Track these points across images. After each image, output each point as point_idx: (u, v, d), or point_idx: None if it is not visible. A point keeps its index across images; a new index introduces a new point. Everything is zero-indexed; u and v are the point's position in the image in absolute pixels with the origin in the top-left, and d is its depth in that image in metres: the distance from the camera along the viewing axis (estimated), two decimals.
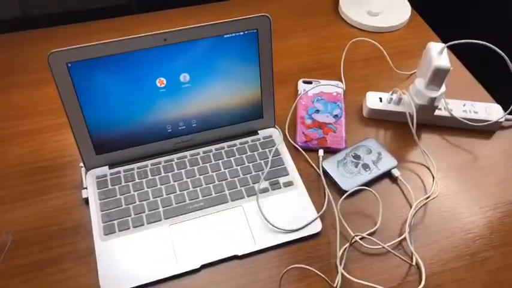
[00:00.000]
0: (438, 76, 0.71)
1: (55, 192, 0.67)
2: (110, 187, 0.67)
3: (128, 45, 0.61)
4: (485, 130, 0.78)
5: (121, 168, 0.69)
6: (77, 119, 0.63)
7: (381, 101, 0.79)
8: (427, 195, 0.69)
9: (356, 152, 0.73)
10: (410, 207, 0.68)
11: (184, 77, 0.65)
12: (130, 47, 0.61)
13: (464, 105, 0.78)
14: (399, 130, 0.78)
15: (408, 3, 1.00)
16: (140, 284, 0.58)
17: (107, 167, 0.69)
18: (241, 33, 0.65)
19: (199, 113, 0.69)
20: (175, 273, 0.59)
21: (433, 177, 0.71)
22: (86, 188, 0.66)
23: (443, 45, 0.71)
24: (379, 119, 0.79)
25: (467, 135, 0.78)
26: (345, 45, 0.91)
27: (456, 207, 0.69)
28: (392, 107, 0.77)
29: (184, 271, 0.60)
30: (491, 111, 0.78)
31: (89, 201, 0.65)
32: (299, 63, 0.88)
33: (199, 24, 0.62)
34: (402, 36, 0.95)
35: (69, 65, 0.59)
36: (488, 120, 0.77)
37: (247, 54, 0.67)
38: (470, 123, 0.76)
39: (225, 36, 0.64)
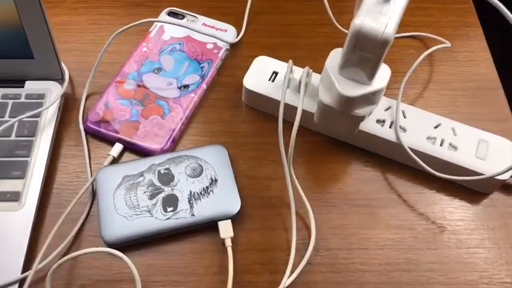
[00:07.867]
0: (363, 51, 0.31)
1: None
2: None
3: None
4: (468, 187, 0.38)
5: None
6: None
7: (273, 79, 0.40)
8: None
9: (171, 167, 0.37)
10: None
11: None
12: None
13: (437, 127, 0.38)
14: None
15: None
16: None
17: None
18: None
19: None
20: None
21: (289, 260, 0.34)
22: None
23: None
24: (264, 112, 0.41)
25: (431, 186, 0.38)
26: None
27: None
28: (280, 95, 0.39)
29: None
30: (489, 151, 0.36)
31: None
32: None
33: None
34: None
35: None
36: (476, 173, 0.36)
37: None
38: (429, 168, 0.36)
39: None
